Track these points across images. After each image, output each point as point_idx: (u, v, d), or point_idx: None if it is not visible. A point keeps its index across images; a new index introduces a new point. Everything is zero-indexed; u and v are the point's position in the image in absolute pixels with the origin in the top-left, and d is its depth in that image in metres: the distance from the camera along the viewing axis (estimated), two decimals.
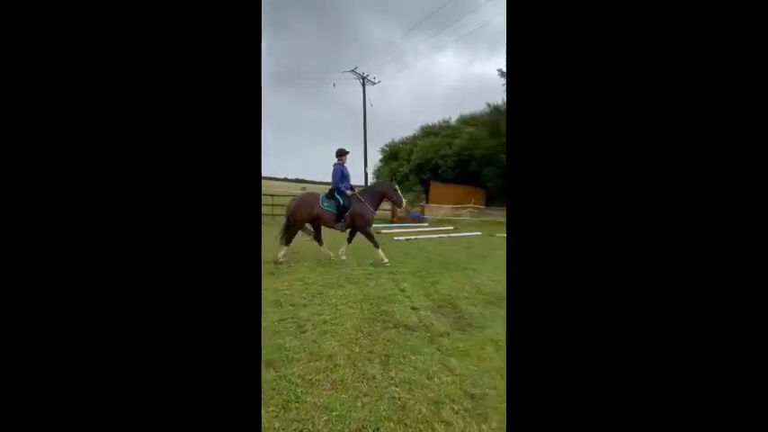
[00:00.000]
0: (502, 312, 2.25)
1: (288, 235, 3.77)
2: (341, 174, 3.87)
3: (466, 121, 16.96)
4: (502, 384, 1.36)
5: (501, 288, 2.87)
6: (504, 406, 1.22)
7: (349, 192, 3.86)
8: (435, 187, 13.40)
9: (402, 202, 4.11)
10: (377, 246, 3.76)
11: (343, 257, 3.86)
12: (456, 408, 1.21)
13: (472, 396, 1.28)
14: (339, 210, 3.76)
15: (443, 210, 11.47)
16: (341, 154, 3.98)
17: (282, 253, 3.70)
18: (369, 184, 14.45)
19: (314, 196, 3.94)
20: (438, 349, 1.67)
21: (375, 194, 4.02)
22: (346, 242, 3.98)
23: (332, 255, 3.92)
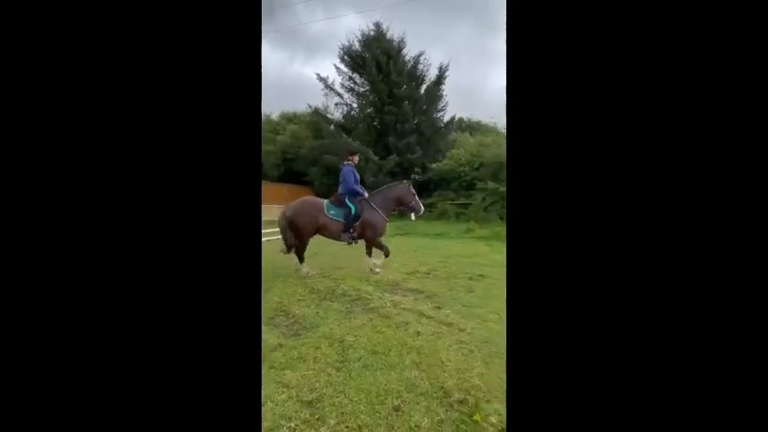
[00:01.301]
0: (334, 306, 2.36)
1: (290, 244, 3.18)
2: (353, 176, 3.28)
3: (289, 118, 16.65)
4: (337, 377, 1.42)
5: (332, 282, 3.03)
6: (339, 399, 1.27)
7: (361, 195, 3.30)
8: (262, 186, 12.32)
9: (421, 208, 3.54)
10: (387, 254, 3.37)
11: (379, 270, 3.30)
12: (293, 425, 1.13)
13: (309, 403, 1.24)
14: (349, 219, 3.21)
15: (273, 210, 10.77)
16: (351, 153, 3.43)
17: (303, 266, 3.28)
18: None
19: (317, 202, 3.30)
20: (271, 367, 1.51)
21: (388, 200, 3.42)
22: (366, 256, 3.42)
23: (313, 273, 3.31)
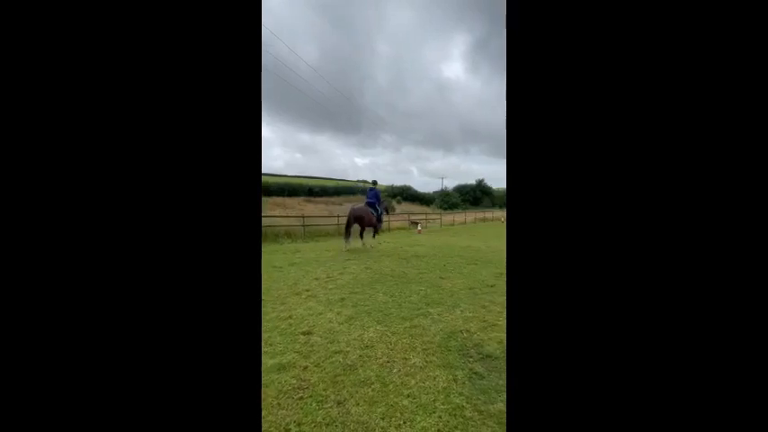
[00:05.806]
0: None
1: (349, 232, 6.51)
2: (379, 196, 7.21)
3: None
4: None
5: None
6: None
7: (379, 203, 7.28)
8: None
9: (389, 211, 8.68)
10: (378, 233, 7.59)
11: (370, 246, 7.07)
12: None
13: None
14: (378, 215, 6.98)
15: None
16: (376, 183, 7.39)
17: (348, 244, 6.58)
18: None
19: (367, 207, 6.78)
20: None
21: (384, 206, 7.53)
22: (371, 238, 7.35)
23: (369, 245, 7.04)
